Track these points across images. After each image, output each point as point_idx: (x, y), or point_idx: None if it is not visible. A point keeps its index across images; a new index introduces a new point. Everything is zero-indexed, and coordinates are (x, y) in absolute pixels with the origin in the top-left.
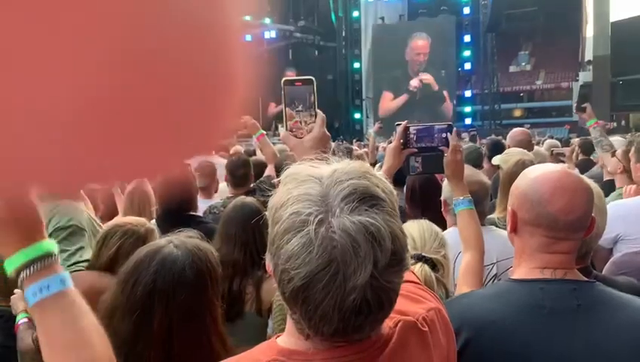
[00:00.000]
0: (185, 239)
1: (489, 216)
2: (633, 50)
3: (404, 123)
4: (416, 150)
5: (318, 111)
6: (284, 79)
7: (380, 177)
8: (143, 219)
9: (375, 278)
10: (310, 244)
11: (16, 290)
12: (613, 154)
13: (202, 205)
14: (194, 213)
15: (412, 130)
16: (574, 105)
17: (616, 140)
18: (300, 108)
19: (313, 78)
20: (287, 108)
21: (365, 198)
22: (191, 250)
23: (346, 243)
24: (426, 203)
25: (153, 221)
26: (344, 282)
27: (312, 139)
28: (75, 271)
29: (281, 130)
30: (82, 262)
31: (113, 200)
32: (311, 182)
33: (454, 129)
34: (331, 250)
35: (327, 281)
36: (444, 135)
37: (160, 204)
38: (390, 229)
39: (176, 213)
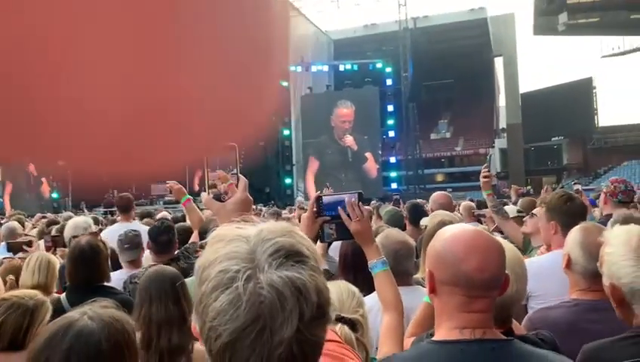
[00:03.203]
0: (99, 310)
1: (415, 276)
2: (541, 119)
3: (316, 193)
4: (329, 218)
5: (241, 176)
6: None
7: (304, 236)
8: (33, 291)
9: (301, 332)
10: (238, 300)
11: None
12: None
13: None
14: (104, 284)
15: (324, 199)
16: (482, 171)
17: (510, 208)
18: (234, 171)
19: (235, 145)
20: (218, 173)
21: (291, 255)
22: (107, 321)
23: (273, 297)
24: (358, 269)
25: (62, 295)
26: (271, 337)
27: (235, 203)
28: None
29: (203, 194)
30: None
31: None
32: (238, 241)
33: (353, 199)
34: (259, 305)
35: (255, 336)
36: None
37: (68, 275)
38: (315, 283)
39: (86, 284)
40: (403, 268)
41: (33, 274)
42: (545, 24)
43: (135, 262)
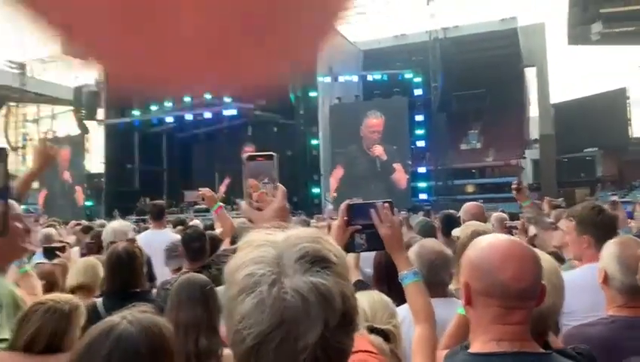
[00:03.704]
0: (139, 315)
1: (450, 287)
2: (574, 130)
3: (346, 201)
4: (360, 227)
5: (280, 185)
6: (247, 155)
7: (332, 242)
8: (68, 296)
9: (326, 338)
10: (263, 304)
11: None
12: (556, 228)
13: None
14: (140, 290)
15: (355, 207)
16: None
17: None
18: (266, 180)
19: (274, 154)
20: (251, 181)
21: (317, 260)
22: (146, 326)
23: (297, 302)
24: (392, 279)
25: (98, 300)
26: (295, 342)
27: (273, 211)
28: None
29: (242, 203)
30: None
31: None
32: (266, 246)
33: (386, 204)
34: (283, 310)
35: (279, 341)
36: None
37: (105, 280)
38: (341, 290)
39: (122, 290)
40: (439, 279)
41: (79, 275)
42: (579, 34)
43: (181, 269)
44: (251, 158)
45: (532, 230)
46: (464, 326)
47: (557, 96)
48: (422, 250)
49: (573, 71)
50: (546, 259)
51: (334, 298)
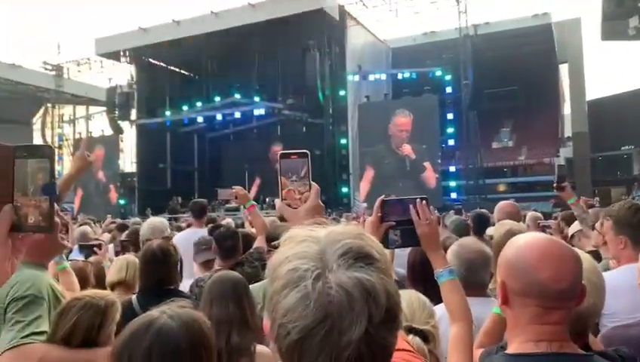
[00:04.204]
0: (178, 310)
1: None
2: (610, 128)
3: (381, 197)
4: (394, 223)
5: (313, 183)
6: (280, 152)
7: (373, 238)
8: (105, 292)
9: (370, 334)
10: (307, 299)
11: None
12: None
13: None
14: (174, 288)
15: (389, 203)
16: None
17: (576, 222)
18: (293, 178)
19: (308, 152)
20: (283, 178)
21: (360, 257)
22: (185, 321)
23: (341, 297)
24: (427, 278)
25: (133, 296)
26: (339, 337)
27: (307, 209)
28: (28, 343)
29: (277, 201)
30: (38, 333)
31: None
32: (309, 242)
33: (423, 201)
34: (327, 305)
35: (323, 336)
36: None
37: (139, 277)
38: (385, 286)
39: (157, 287)
40: (478, 279)
41: (119, 272)
42: (614, 29)
43: (209, 264)
44: (285, 156)
45: (574, 227)
46: (500, 324)
47: (592, 93)
48: (461, 249)
49: (609, 67)
50: (585, 258)
51: (379, 294)
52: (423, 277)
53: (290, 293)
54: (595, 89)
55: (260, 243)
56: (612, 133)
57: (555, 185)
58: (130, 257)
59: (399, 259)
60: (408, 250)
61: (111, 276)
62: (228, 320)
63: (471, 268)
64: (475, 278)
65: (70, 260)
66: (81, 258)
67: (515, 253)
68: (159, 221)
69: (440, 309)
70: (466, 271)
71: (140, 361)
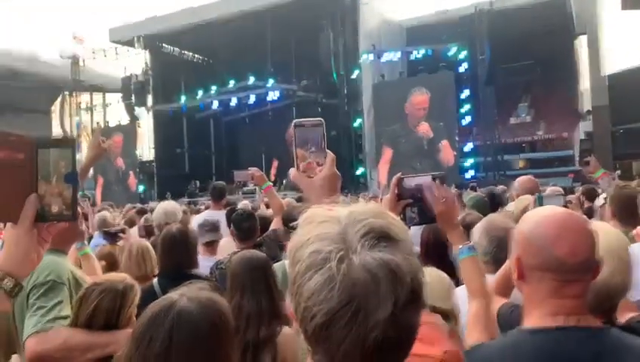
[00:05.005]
0: (197, 292)
1: None
2: (631, 100)
3: (397, 175)
4: (411, 201)
5: (328, 151)
6: (294, 121)
7: (394, 217)
8: (123, 275)
9: (395, 315)
10: (332, 280)
11: None
12: None
13: (207, 263)
14: (194, 272)
15: (406, 181)
16: (577, 158)
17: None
18: (312, 149)
19: (322, 120)
20: (299, 150)
21: (383, 236)
22: (205, 303)
23: (367, 279)
24: (442, 256)
25: (154, 280)
26: (365, 318)
27: (323, 179)
28: (52, 327)
29: (292, 170)
30: (61, 318)
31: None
32: (329, 223)
33: (437, 179)
34: (352, 286)
35: (350, 318)
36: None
37: (159, 261)
38: (410, 266)
39: (176, 271)
40: (505, 256)
41: (139, 265)
42: None
43: (213, 245)
44: (299, 125)
45: (600, 200)
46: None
47: (612, 66)
48: (489, 226)
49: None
50: (614, 233)
51: (404, 274)
52: (436, 255)
53: (314, 276)
54: (615, 61)
55: (276, 224)
56: (633, 105)
57: (579, 159)
58: (142, 246)
59: (413, 238)
60: (422, 227)
61: (128, 269)
62: (259, 312)
63: (500, 246)
64: (506, 255)
65: (98, 246)
66: (104, 243)
67: (530, 229)
68: (172, 205)
69: (458, 289)
70: (496, 248)
71: (160, 343)
